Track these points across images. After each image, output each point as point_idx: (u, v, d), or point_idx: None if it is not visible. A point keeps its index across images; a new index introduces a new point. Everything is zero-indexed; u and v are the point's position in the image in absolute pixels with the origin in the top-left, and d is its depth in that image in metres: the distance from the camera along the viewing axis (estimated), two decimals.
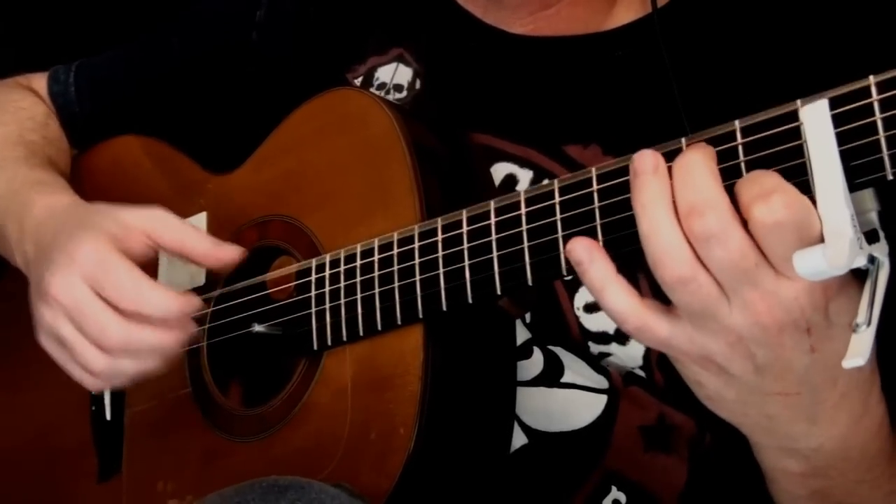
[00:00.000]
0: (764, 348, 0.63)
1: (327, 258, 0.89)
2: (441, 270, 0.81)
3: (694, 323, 0.64)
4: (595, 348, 0.87)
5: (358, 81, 1.03)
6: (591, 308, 0.86)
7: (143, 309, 0.85)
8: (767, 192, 0.59)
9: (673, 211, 0.62)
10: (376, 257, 0.85)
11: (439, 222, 0.81)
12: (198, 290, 0.97)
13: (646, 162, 0.63)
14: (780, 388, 0.66)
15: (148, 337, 0.86)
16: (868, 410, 0.70)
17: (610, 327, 0.86)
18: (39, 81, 1.22)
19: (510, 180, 0.91)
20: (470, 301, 0.79)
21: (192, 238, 0.90)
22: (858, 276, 0.62)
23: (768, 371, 0.64)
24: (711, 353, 0.64)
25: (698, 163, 0.61)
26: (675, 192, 0.62)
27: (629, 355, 0.86)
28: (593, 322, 0.87)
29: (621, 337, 0.86)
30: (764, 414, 0.68)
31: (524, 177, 0.91)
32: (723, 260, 0.60)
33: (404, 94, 1.01)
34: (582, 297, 0.87)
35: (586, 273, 0.65)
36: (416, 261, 0.82)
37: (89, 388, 0.92)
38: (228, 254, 0.90)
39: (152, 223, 0.90)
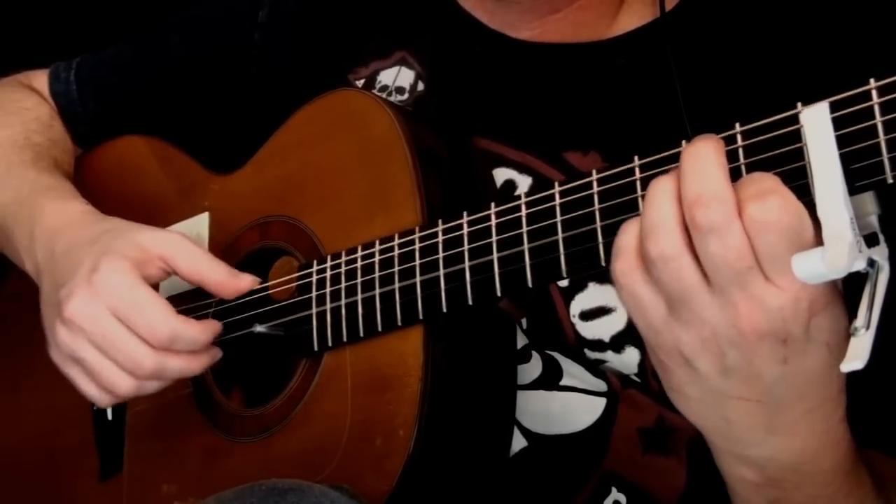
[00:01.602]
0: (736, 350, 0.62)
1: (328, 259, 0.89)
2: (441, 272, 0.81)
3: (670, 307, 0.63)
4: (591, 355, 0.87)
5: (360, 83, 1.03)
6: (587, 316, 0.86)
7: (174, 346, 0.87)
8: (765, 191, 0.59)
9: (676, 193, 0.61)
10: (377, 258, 0.85)
11: (440, 224, 0.81)
12: (199, 291, 0.97)
13: None
14: (744, 394, 0.65)
15: (179, 365, 0.88)
16: (829, 429, 0.69)
17: (605, 335, 0.86)
18: (40, 79, 1.21)
19: (509, 186, 0.91)
20: (470, 303, 0.79)
21: (209, 268, 0.91)
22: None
23: (735, 374, 0.64)
24: (681, 343, 0.64)
25: (709, 154, 0.61)
26: (682, 179, 0.61)
27: (624, 363, 0.86)
28: (589, 330, 0.86)
29: (617, 345, 0.86)
30: (722, 416, 0.67)
31: (523, 183, 0.91)
32: (717, 255, 0.60)
33: (406, 96, 1.00)
34: (578, 305, 0.87)
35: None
36: (417, 262, 0.82)
37: (100, 405, 0.93)
38: (244, 284, 0.92)
39: (170, 249, 0.90)
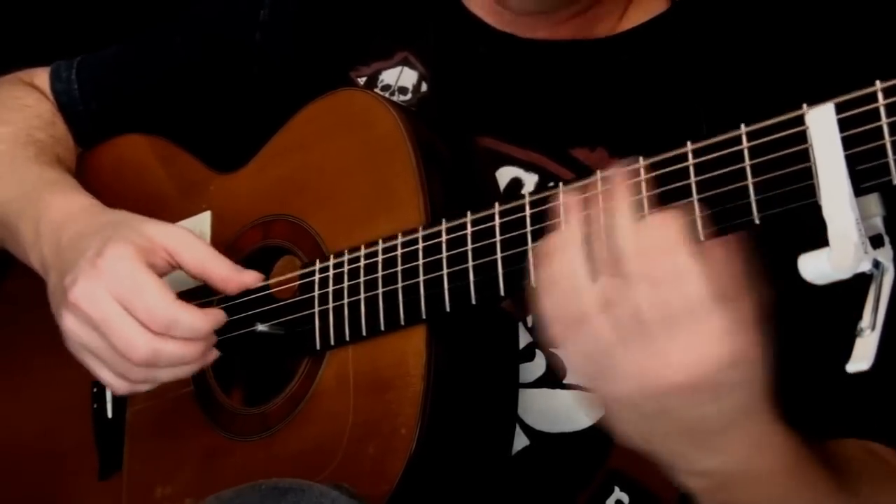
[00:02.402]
0: (654, 402, 0.65)
1: (331, 258, 0.89)
2: (445, 271, 0.81)
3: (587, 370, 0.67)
4: None
5: (362, 82, 1.03)
6: None
7: (173, 332, 0.86)
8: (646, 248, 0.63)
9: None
10: (380, 258, 0.85)
11: (443, 223, 0.82)
12: (202, 289, 0.97)
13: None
14: (676, 429, 0.68)
15: (174, 351, 0.87)
16: (764, 432, 0.70)
17: None
18: (41, 77, 1.21)
19: (515, 184, 0.91)
20: (473, 302, 0.79)
21: (213, 262, 0.91)
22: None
23: (663, 418, 0.67)
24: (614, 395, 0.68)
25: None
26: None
27: None
28: None
29: None
30: (664, 446, 0.70)
31: (529, 181, 0.91)
32: (634, 310, 0.62)
33: (409, 96, 1.01)
34: None
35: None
36: (420, 261, 0.82)
37: (117, 393, 0.92)
38: (248, 279, 0.91)
39: (175, 242, 0.90)
